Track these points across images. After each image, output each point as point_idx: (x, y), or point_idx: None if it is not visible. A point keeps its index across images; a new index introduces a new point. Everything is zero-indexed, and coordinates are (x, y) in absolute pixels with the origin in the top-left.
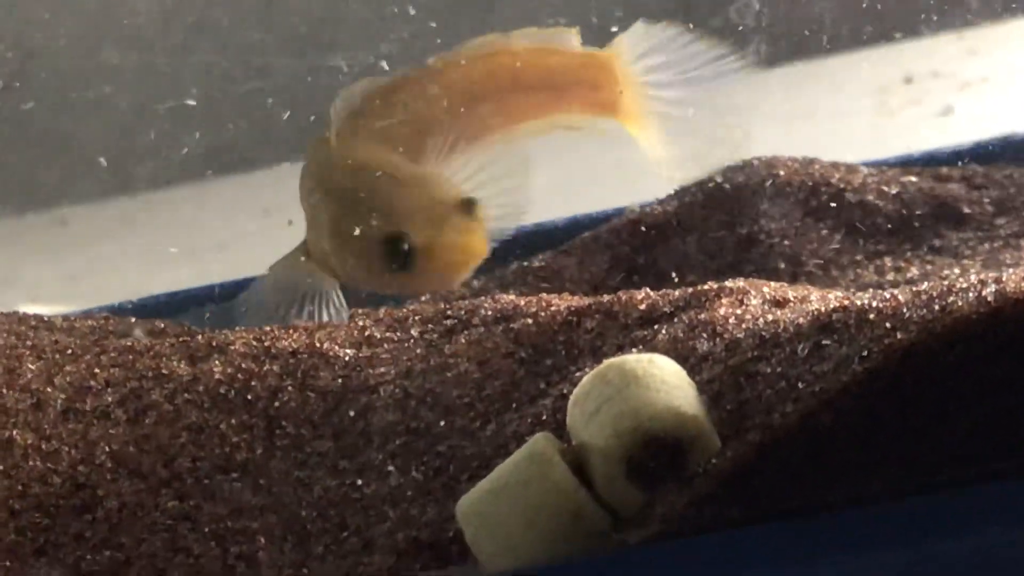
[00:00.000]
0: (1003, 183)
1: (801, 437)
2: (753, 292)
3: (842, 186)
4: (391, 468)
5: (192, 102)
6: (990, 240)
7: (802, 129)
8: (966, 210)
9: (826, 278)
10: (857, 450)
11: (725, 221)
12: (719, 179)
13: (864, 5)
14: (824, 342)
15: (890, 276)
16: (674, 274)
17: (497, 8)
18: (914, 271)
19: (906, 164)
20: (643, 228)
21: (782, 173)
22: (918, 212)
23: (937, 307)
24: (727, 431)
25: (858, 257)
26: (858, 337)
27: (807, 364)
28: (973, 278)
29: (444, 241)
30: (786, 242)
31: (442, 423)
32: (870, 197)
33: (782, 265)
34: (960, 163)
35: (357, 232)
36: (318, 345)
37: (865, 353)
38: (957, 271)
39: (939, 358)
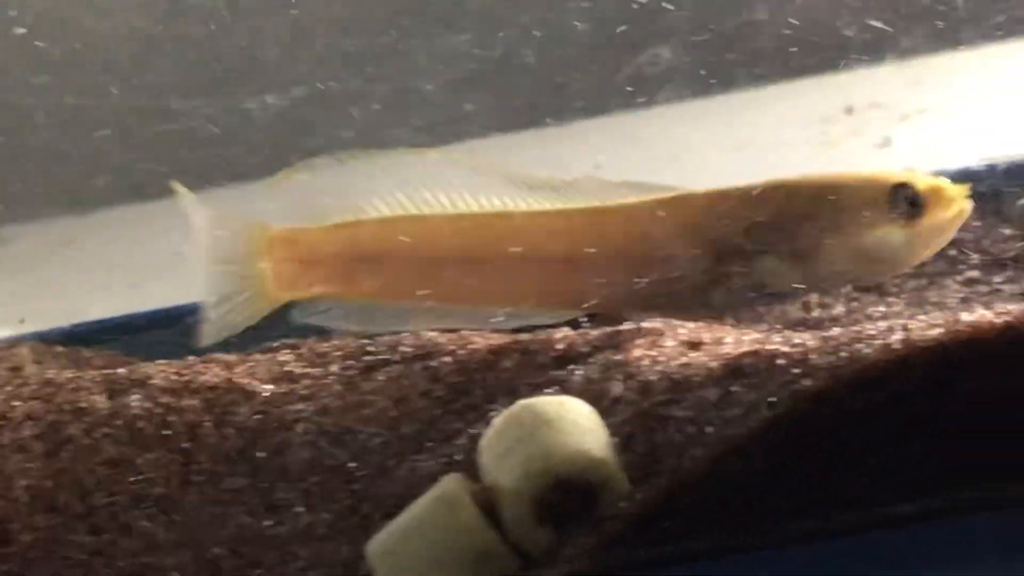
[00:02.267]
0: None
1: (709, 481)
2: (669, 333)
3: None
4: (305, 506)
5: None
6: (917, 278)
7: (741, 159)
8: None
9: (753, 314)
10: (765, 494)
11: None
12: None
13: (806, 34)
14: (734, 387)
15: (816, 313)
16: None
17: (411, 53)
18: (839, 308)
19: None
20: None
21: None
22: None
23: (845, 354)
24: (637, 474)
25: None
26: (767, 382)
27: (717, 409)
28: (882, 325)
29: (945, 185)
30: None
31: (357, 462)
32: None
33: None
34: None
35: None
36: (237, 380)
37: (773, 399)
38: (882, 309)
39: (846, 404)
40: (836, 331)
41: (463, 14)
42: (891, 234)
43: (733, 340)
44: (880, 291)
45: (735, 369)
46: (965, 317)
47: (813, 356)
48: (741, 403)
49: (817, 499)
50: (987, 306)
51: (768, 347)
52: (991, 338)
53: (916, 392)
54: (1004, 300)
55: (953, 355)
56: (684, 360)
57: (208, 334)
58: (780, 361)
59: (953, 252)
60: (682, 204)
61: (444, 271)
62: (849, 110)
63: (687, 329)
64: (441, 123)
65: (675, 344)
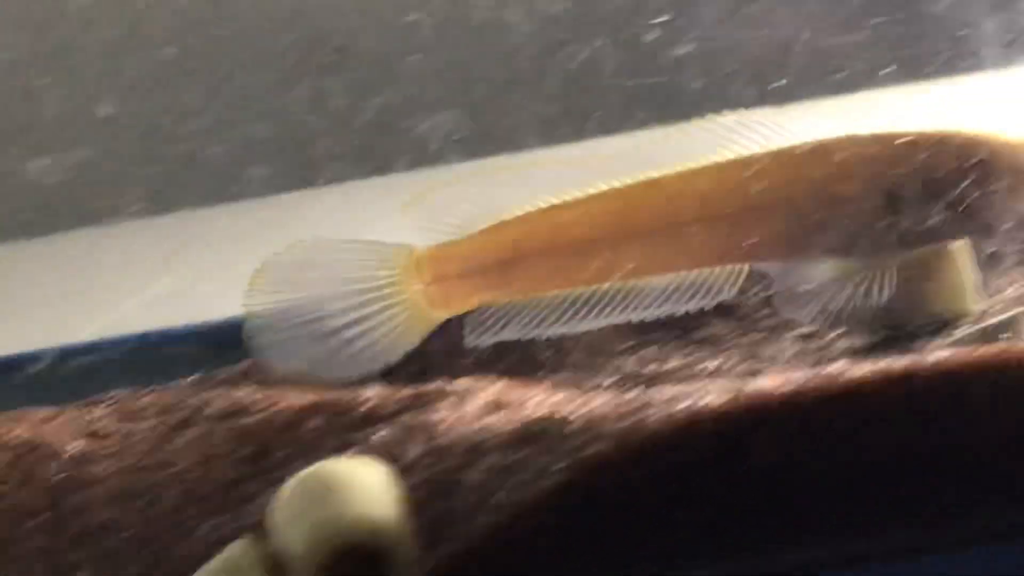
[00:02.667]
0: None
1: (498, 547)
2: (473, 393)
3: None
4: (94, 571)
5: None
6: (754, 332)
7: None
8: (733, 301)
9: (590, 367)
10: (554, 559)
11: None
12: None
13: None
14: (526, 451)
15: (650, 367)
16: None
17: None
18: (673, 363)
19: None
20: None
21: None
22: None
23: (632, 420)
24: (427, 541)
25: (626, 345)
26: (558, 447)
27: (509, 473)
28: (667, 393)
29: None
30: None
31: (155, 523)
32: None
33: (547, 353)
34: None
35: None
36: (47, 437)
37: (562, 464)
38: (716, 363)
39: (631, 471)
40: (632, 394)
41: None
42: None
43: (536, 402)
44: (715, 345)
45: (530, 434)
46: (752, 385)
47: (603, 422)
48: (532, 468)
49: (611, 565)
50: (816, 364)
51: (563, 410)
52: (776, 406)
53: (702, 461)
54: (834, 357)
55: (739, 423)
56: (483, 423)
57: (367, 365)
58: (572, 427)
59: None
60: (847, 146)
61: (603, 250)
62: None
63: (495, 388)
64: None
65: (479, 406)
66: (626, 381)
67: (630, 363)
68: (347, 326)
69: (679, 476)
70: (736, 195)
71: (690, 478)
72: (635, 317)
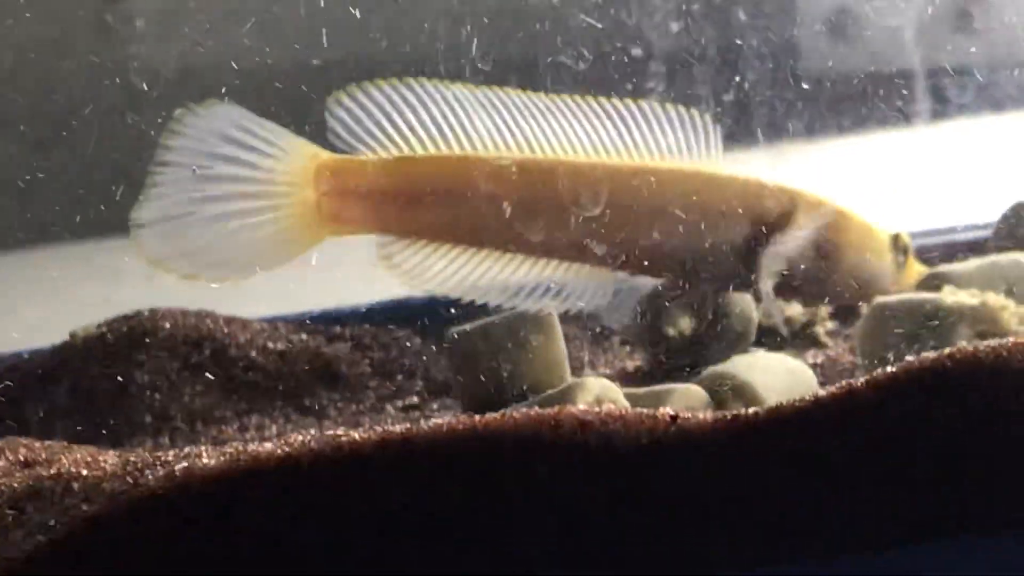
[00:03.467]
0: (388, 345)
1: None
2: (8, 450)
3: (227, 341)
4: None
5: None
6: (358, 402)
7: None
8: (344, 370)
9: (192, 434)
10: None
11: (101, 372)
12: (104, 328)
13: None
14: (28, 508)
15: (250, 434)
16: (37, 423)
17: None
18: (274, 430)
19: (314, 319)
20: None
21: (168, 325)
22: (298, 370)
23: (131, 480)
24: None
25: (228, 413)
26: (57, 505)
27: (7, 531)
28: (171, 455)
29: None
30: (157, 396)
31: None
32: (253, 353)
33: (148, 419)
34: (356, 322)
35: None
36: None
37: (53, 522)
38: (316, 432)
39: (127, 528)
40: (140, 453)
41: None
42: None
43: (70, 461)
44: (319, 413)
45: (34, 491)
46: (249, 447)
47: (105, 481)
48: (27, 525)
49: None
50: None
51: (75, 470)
52: (273, 467)
53: (197, 519)
54: None
55: (232, 484)
56: (7, 479)
57: (237, 269)
58: (74, 484)
59: (400, 377)
60: (746, 186)
61: (502, 215)
62: None
63: (28, 447)
64: None
65: (11, 462)
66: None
67: (231, 430)
68: (225, 216)
69: (175, 533)
70: (637, 198)
71: (187, 535)
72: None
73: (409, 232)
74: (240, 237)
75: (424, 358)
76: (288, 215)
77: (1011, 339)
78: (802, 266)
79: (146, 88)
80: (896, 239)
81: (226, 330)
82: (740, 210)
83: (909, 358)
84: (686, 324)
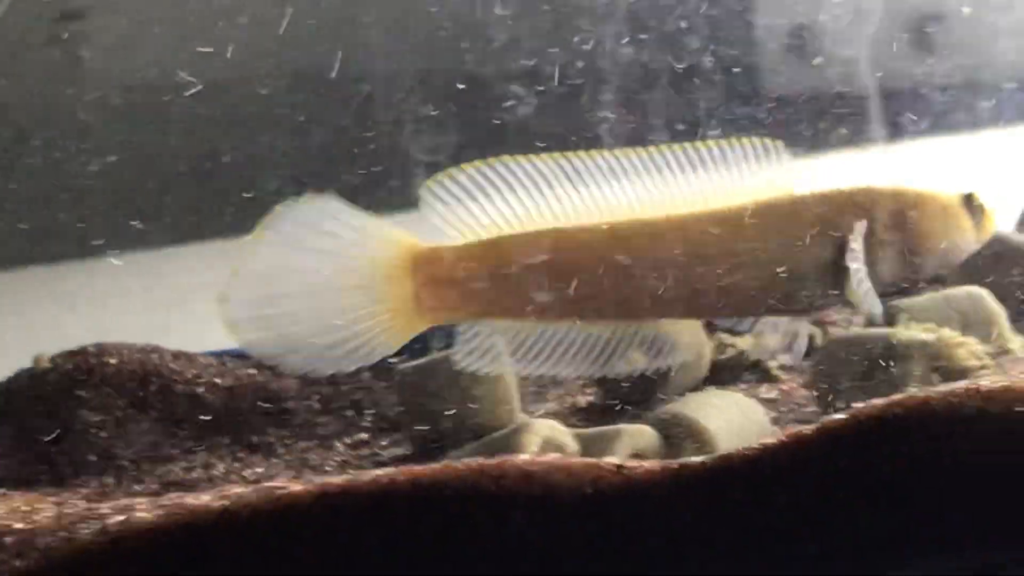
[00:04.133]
0: (338, 380)
1: None
2: None
3: (174, 377)
4: None
5: None
6: (307, 439)
7: (180, 313)
8: (292, 406)
9: (138, 472)
10: None
11: (44, 410)
12: (49, 365)
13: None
14: None
15: (197, 473)
16: None
17: None
18: (221, 468)
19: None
20: None
21: (113, 361)
22: (245, 406)
23: (65, 534)
24: None
25: (174, 451)
26: None
27: None
28: (107, 507)
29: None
30: (102, 434)
31: None
32: (200, 389)
33: (93, 458)
34: None
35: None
36: None
37: None
38: (260, 470)
39: None
40: (76, 504)
41: None
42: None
43: (4, 512)
44: (267, 451)
45: None
46: (186, 500)
47: (40, 534)
48: None
49: None
50: (358, 470)
51: (7, 521)
52: (210, 522)
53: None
54: (383, 462)
55: (169, 538)
56: None
57: (340, 364)
58: (7, 539)
59: (350, 413)
60: (804, 205)
61: (592, 284)
62: None
63: None
64: None
65: None
66: (168, 487)
67: (178, 469)
68: (336, 317)
69: None
70: (715, 246)
71: None
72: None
73: (506, 313)
74: (341, 333)
75: (374, 393)
76: (388, 308)
77: (964, 384)
78: (883, 254)
79: (101, 108)
80: (969, 199)
81: (172, 366)
82: (819, 228)
83: (858, 404)
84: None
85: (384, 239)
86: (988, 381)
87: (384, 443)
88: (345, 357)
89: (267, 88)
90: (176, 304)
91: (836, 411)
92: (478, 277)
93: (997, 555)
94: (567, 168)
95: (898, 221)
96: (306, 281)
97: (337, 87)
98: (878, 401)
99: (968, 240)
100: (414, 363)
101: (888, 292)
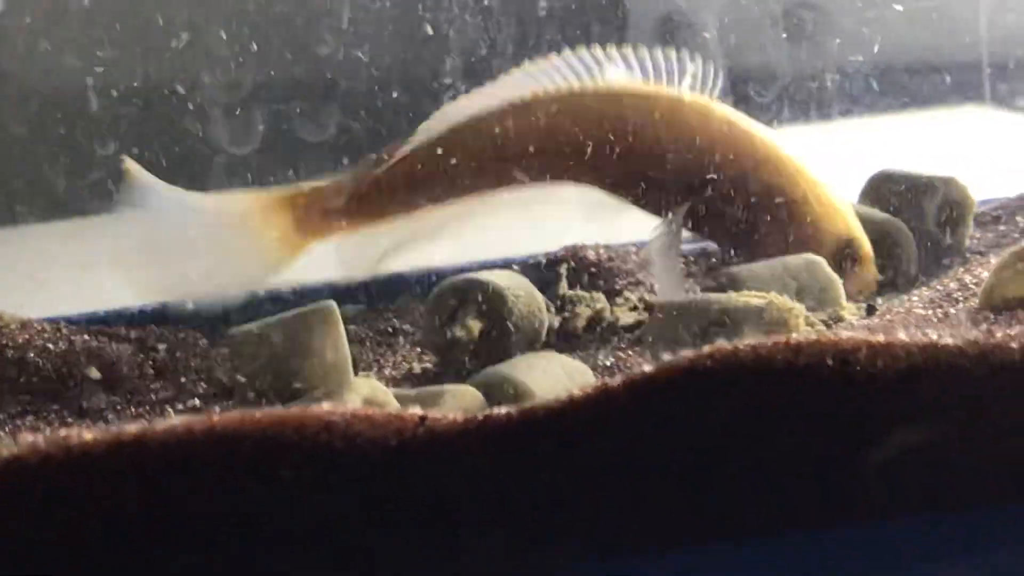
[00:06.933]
0: (174, 346)
1: None
2: None
3: (4, 342)
4: None
5: None
6: (138, 405)
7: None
8: (126, 372)
9: None
10: None
11: None
12: None
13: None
14: None
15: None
16: None
17: None
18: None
19: (99, 320)
20: None
21: None
22: (77, 372)
23: None
24: None
25: (1, 416)
26: None
27: None
28: None
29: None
30: None
31: None
32: (31, 354)
33: None
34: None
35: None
36: None
37: None
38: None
39: None
40: None
41: None
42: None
43: None
44: (96, 416)
45: None
46: None
47: None
48: None
49: None
50: None
51: None
52: None
53: None
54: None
55: None
56: None
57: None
58: None
59: (184, 379)
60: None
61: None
62: None
63: None
64: None
65: None
66: None
67: (2, 433)
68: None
69: None
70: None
71: None
72: None
73: (377, 217)
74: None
75: (209, 359)
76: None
77: (772, 339)
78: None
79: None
80: (848, 245)
81: (4, 330)
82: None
83: (667, 356)
84: (474, 326)
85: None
86: (797, 335)
87: (218, 409)
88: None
89: None
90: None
91: None
92: (348, 194)
93: (804, 506)
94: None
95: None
96: (188, 235)
97: None
98: (687, 353)
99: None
100: (246, 327)
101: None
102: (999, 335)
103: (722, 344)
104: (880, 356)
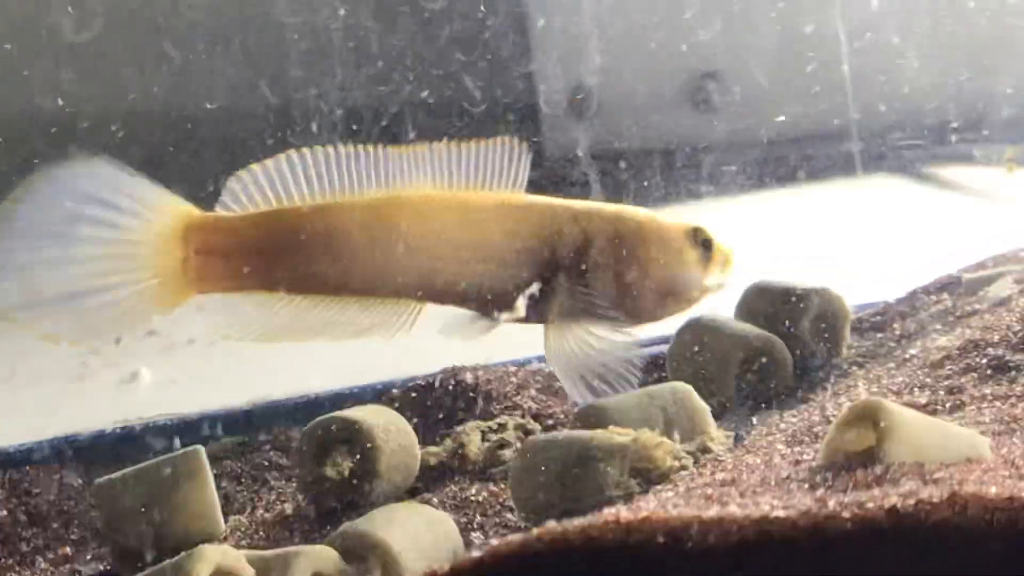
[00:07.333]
0: (49, 489)
1: None
2: None
3: None
4: None
5: None
6: (9, 555)
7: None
8: None
9: None
10: None
11: None
12: None
13: None
14: None
15: None
16: None
17: None
18: None
19: None
20: None
21: None
22: None
23: None
24: None
25: None
26: None
27: None
28: None
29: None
30: None
31: None
32: None
33: None
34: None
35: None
36: None
37: None
38: None
39: None
40: None
41: None
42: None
43: None
44: None
45: None
46: None
47: None
48: None
49: None
50: None
51: None
52: None
53: None
54: None
55: None
56: None
57: (100, 330)
58: None
59: (56, 525)
60: (526, 209)
61: (350, 260)
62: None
63: None
64: None
65: None
66: None
67: None
68: (85, 276)
69: None
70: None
71: None
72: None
73: (270, 285)
74: (100, 299)
75: (84, 503)
76: (154, 275)
77: (603, 515)
78: (605, 290)
79: None
80: (695, 233)
81: None
82: (535, 239)
83: (494, 541)
84: (345, 465)
85: (154, 206)
86: (627, 511)
87: (88, 557)
88: (103, 323)
89: None
90: None
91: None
92: (242, 248)
93: None
94: (344, 154)
95: (615, 246)
96: (64, 244)
97: None
98: (515, 537)
99: (693, 278)
100: (111, 476)
101: (612, 321)
102: (831, 504)
103: (551, 525)
104: (712, 531)
